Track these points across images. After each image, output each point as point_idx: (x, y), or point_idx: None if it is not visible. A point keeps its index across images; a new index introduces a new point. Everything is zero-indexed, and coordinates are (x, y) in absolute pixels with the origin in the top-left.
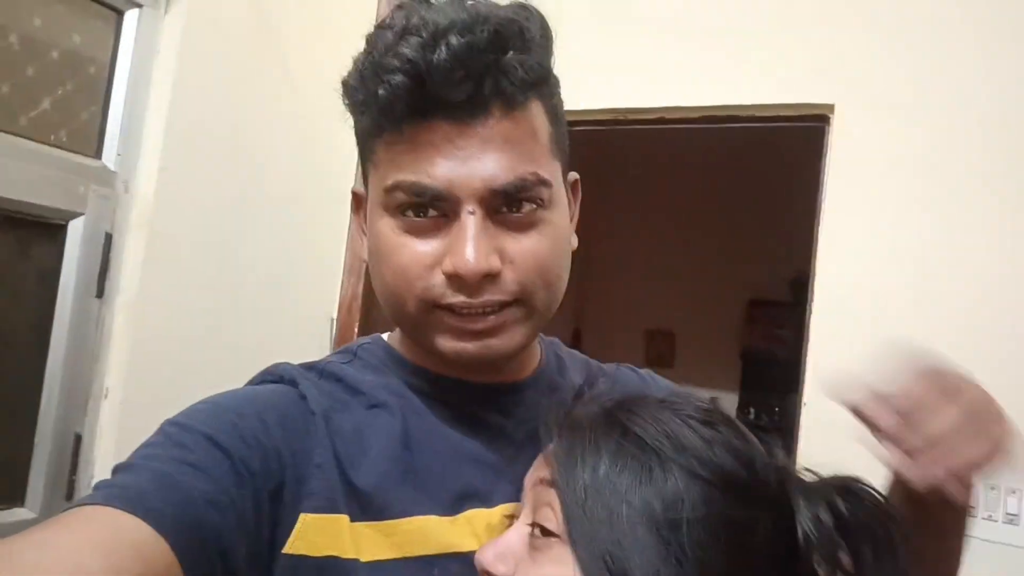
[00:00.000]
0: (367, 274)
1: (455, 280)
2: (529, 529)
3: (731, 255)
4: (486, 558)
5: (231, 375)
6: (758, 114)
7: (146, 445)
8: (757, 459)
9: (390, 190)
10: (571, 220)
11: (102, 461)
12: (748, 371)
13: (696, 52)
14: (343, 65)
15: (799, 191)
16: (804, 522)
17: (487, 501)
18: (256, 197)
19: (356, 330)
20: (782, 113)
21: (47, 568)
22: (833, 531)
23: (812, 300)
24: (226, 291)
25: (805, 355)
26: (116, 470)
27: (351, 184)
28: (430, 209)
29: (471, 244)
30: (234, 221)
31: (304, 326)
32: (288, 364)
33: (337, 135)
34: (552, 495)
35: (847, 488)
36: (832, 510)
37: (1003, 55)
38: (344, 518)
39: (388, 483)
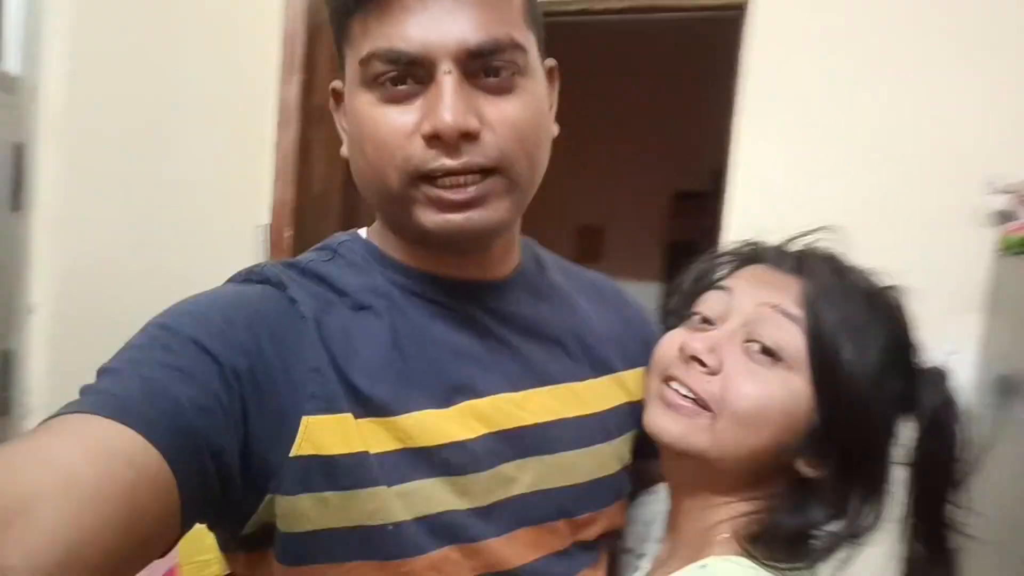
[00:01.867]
0: (299, 179)
1: (435, 142)
2: (744, 342)
3: (657, 149)
4: (697, 345)
5: (162, 286)
6: (679, 4)
7: (131, 347)
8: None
9: (365, 61)
10: (551, 107)
11: (36, 377)
12: (671, 262)
13: None
14: None
15: (719, 82)
16: (928, 399)
17: (477, 392)
18: (177, 102)
19: (290, 235)
20: (701, 3)
21: (40, 476)
22: (942, 409)
23: (729, 189)
24: (150, 200)
25: (720, 240)
26: (101, 373)
27: (273, 89)
28: (407, 78)
29: (449, 102)
30: (154, 128)
31: (233, 233)
32: (271, 264)
33: (259, 36)
34: (787, 325)
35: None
36: (941, 392)
37: None
38: (348, 416)
39: (383, 383)
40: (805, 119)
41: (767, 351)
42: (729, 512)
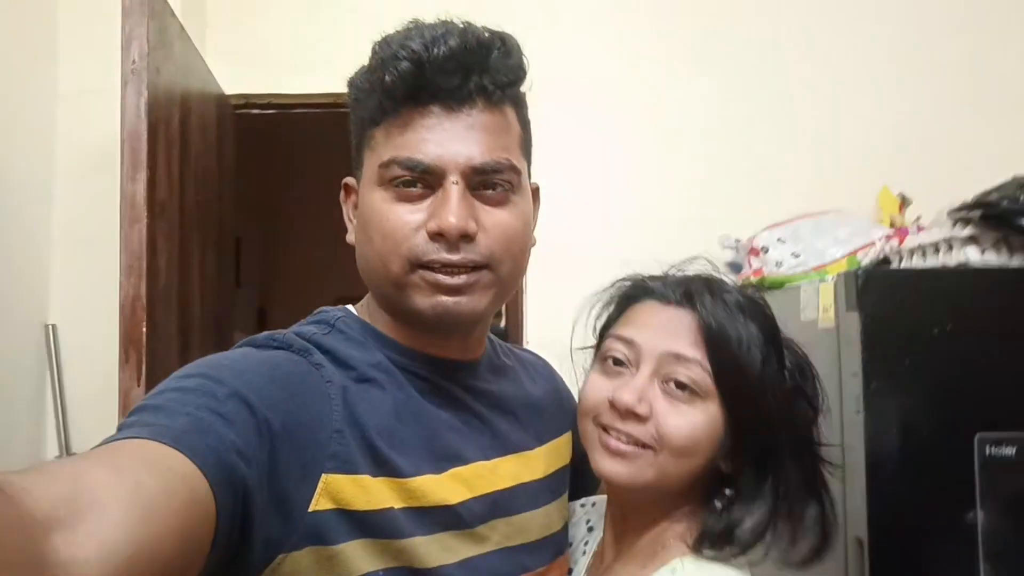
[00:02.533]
0: (148, 273)
1: (438, 238)
2: (662, 383)
3: None
4: (627, 399)
5: None
6: None
7: (171, 390)
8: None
9: (386, 165)
10: (534, 222)
11: None
12: None
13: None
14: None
15: None
16: (791, 360)
17: (462, 460)
18: None
19: (144, 330)
20: None
21: (110, 480)
22: (800, 365)
23: None
24: None
25: (524, 314)
26: (144, 408)
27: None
28: (419, 182)
29: (454, 207)
30: None
31: (16, 335)
32: (288, 332)
33: (32, 128)
34: (692, 366)
35: (791, 341)
36: (796, 354)
37: (658, 49)
38: (366, 477)
39: (393, 448)
40: (580, 186)
41: (681, 386)
42: (674, 519)
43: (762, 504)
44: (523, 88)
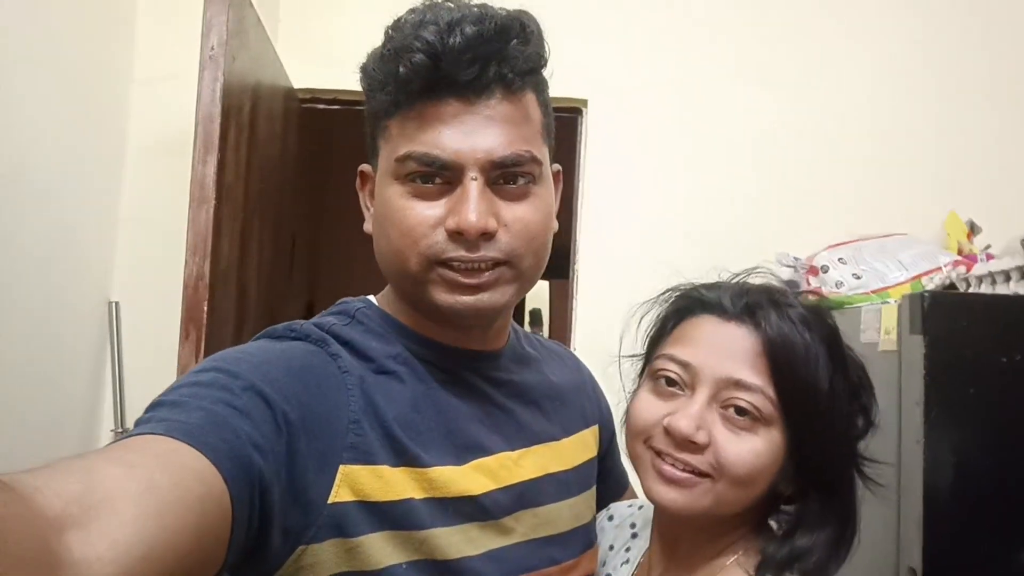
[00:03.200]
0: (212, 254)
1: (456, 237)
2: (720, 408)
3: None
4: (686, 428)
5: (2, 368)
6: None
7: (188, 384)
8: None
9: (402, 159)
10: (555, 207)
11: None
12: None
13: None
14: (109, 19)
15: None
16: (854, 372)
17: (484, 451)
18: (21, 172)
19: (205, 308)
20: None
21: (122, 478)
22: (861, 377)
23: (576, 270)
24: None
25: (573, 320)
26: (160, 404)
27: (126, 170)
28: (436, 177)
29: (473, 205)
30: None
31: (80, 311)
32: (306, 324)
33: (106, 111)
34: (754, 392)
35: (853, 352)
36: (857, 366)
37: (715, 59)
38: (384, 467)
39: (412, 439)
40: (635, 200)
41: (742, 412)
42: (730, 541)
43: (827, 529)
44: (544, 71)
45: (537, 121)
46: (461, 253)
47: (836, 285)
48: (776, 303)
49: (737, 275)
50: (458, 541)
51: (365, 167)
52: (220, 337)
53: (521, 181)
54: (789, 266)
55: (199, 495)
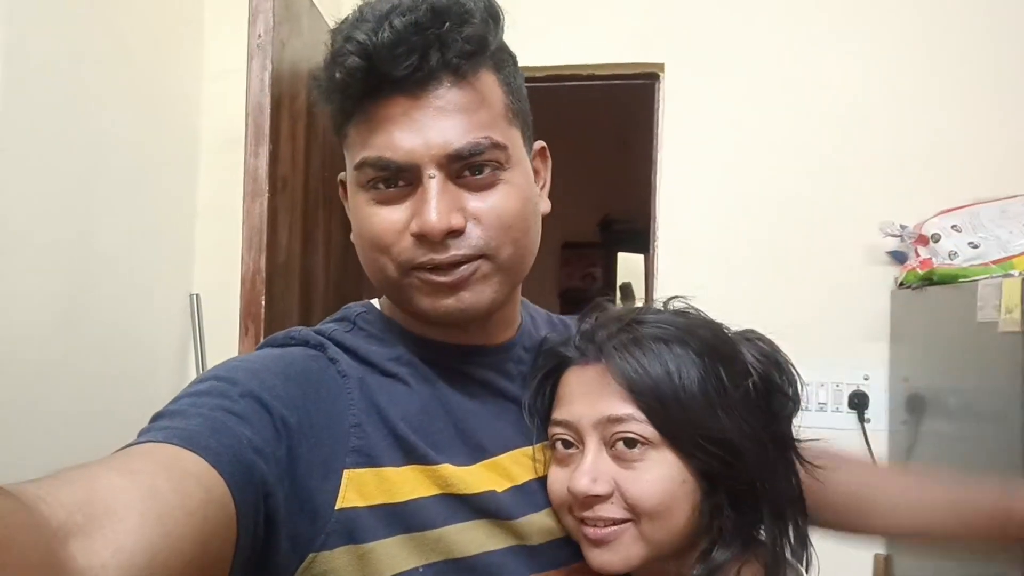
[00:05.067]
0: (269, 247)
1: (422, 240)
2: (608, 451)
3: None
4: (582, 485)
5: (89, 363)
6: (597, 72)
7: (188, 395)
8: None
9: (359, 167)
10: (542, 187)
11: None
12: (565, 309)
13: (537, 15)
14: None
15: (609, 140)
16: (751, 358)
17: (493, 451)
18: (106, 166)
19: (262, 303)
20: (618, 71)
21: (124, 486)
22: (766, 358)
23: (656, 240)
24: (75, 276)
25: (651, 290)
26: (160, 415)
27: (200, 165)
28: (397, 180)
29: (433, 204)
30: (82, 194)
31: (163, 305)
32: (307, 329)
33: (182, 109)
34: (628, 421)
35: (751, 333)
36: (757, 347)
37: (804, 20)
38: (390, 469)
39: (420, 440)
40: (718, 170)
41: (631, 443)
42: (683, 564)
43: (741, 538)
44: (497, 46)
45: (498, 102)
46: (431, 256)
47: (949, 256)
48: (626, 328)
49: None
50: (476, 537)
51: (342, 175)
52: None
53: (487, 170)
54: (894, 235)
55: (201, 500)
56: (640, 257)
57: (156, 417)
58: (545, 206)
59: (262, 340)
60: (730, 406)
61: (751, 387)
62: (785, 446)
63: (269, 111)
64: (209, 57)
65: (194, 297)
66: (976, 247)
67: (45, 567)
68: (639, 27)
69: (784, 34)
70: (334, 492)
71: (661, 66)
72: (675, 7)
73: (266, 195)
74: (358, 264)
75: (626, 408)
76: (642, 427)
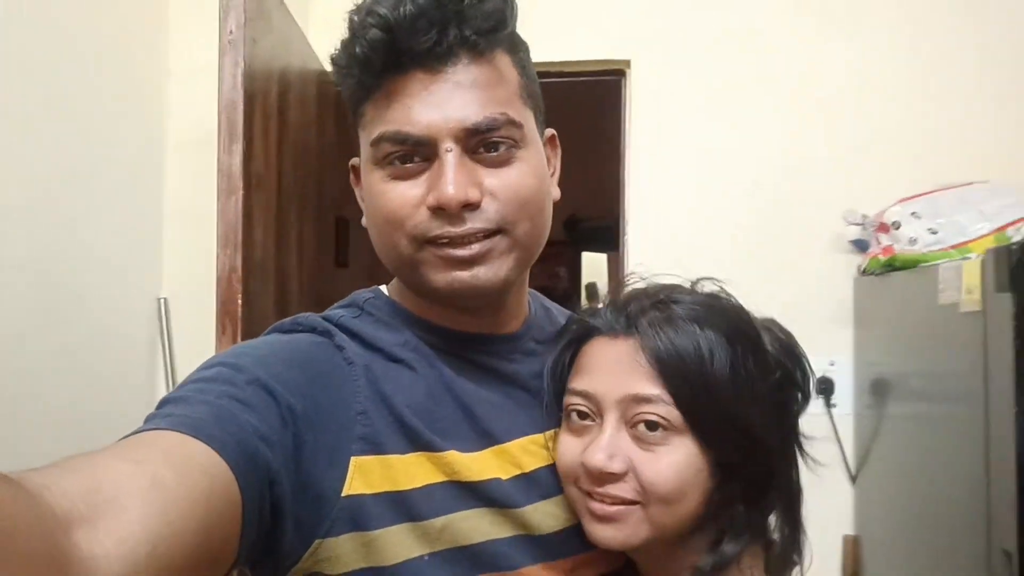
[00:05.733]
0: (244, 245)
1: (439, 212)
2: (628, 430)
3: None
4: (598, 460)
5: (56, 368)
6: (564, 70)
7: (195, 381)
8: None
9: (376, 143)
10: (552, 174)
11: None
12: None
13: None
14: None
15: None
16: (769, 345)
17: (501, 438)
18: (65, 173)
19: (239, 301)
20: (585, 68)
21: (128, 475)
22: (785, 350)
23: (626, 236)
24: (42, 280)
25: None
26: (167, 402)
27: (167, 165)
28: (414, 155)
29: (450, 176)
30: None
31: (130, 309)
32: (313, 316)
33: (144, 107)
34: (655, 403)
35: (771, 323)
36: (777, 338)
37: (767, 15)
38: (396, 456)
39: (426, 425)
40: (685, 164)
41: (653, 426)
42: (688, 552)
43: (750, 530)
44: (513, 28)
45: (514, 82)
46: (447, 229)
47: (910, 242)
48: (660, 305)
49: (692, 283)
50: (480, 525)
51: (355, 160)
52: (258, 330)
53: (502, 147)
54: (856, 224)
55: (206, 488)
56: (604, 257)
57: (162, 403)
58: (556, 192)
59: (239, 339)
60: (755, 396)
61: (774, 378)
62: (793, 439)
63: (242, 108)
64: (174, 56)
65: (162, 301)
66: (935, 233)
67: (49, 555)
68: (605, 24)
69: (747, 29)
70: (340, 479)
71: (627, 63)
72: (640, 4)
73: (241, 192)
74: (331, 264)
75: (654, 389)
76: (668, 410)
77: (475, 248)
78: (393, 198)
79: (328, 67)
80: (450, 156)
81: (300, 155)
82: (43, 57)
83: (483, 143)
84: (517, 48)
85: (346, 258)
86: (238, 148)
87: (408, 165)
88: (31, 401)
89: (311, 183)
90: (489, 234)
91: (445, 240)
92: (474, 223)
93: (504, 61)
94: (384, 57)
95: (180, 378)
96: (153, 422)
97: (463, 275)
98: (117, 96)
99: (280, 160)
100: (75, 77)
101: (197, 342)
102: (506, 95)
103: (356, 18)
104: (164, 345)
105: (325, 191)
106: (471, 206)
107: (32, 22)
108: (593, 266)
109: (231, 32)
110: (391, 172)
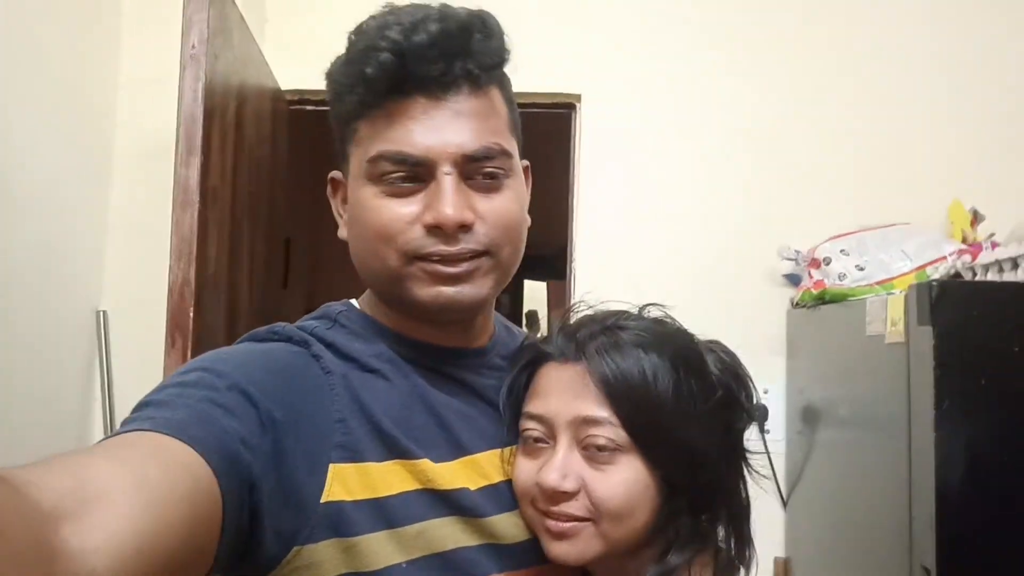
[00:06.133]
0: (198, 258)
1: (435, 231)
2: (579, 451)
3: None
4: (552, 480)
5: None
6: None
7: (173, 385)
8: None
9: (374, 160)
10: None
11: None
12: None
13: None
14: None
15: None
16: (713, 366)
17: (471, 449)
18: (7, 180)
19: (191, 315)
20: (536, 100)
21: (114, 472)
22: (727, 370)
23: (573, 262)
24: None
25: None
26: (147, 404)
27: (113, 177)
28: (410, 175)
29: (449, 198)
30: None
31: (68, 321)
32: (289, 325)
33: (92, 117)
34: (603, 425)
35: (716, 345)
36: (720, 359)
37: (714, 54)
38: (373, 464)
39: (402, 434)
40: (631, 196)
41: (602, 448)
42: (641, 563)
43: (696, 541)
44: (506, 68)
45: (503, 115)
46: (440, 247)
47: (839, 277)
48: (608, 331)
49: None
50: (452, 532)
51: (336, 174)
52: (209, 344)
53: (494, 174)
54: (790, 259)
55: (190, 487)
56: (544, 285)
57: (140, 406)
58: (528, 219)
59: (190, 354)
60: (698, 416)
61: (716, 398)
62: (738, 455)
63: (202, 122)
64: (125, 66)
65: (101, 314)
66: (862, 269)
67: (37, 550)
68: (557, 58)
69: (693, 67)
70: (320, 486)
71: (578, 96)
72: (592, 38)
73: (197, 206)
74: (280, 281)
75: (602, 411)
76: (615, 431)
77: (463, 267)
78: (385, 214)
79: (283, 86)
80: (448, 179)
81: (254, 172)
82: None
83: (477, 170)
84: (505, 84)
85: (287, 279)
86: (196, 162)
87: (404, 184)
88: None
89: (263, 201)
90: (477, 255)
91: (437, 258)
92: (466, 243)
93: (496, 95)
94: (391, 80)
95: (118, 391)
96: (133, 424)
97: (449, 291)
98: (65, 105)
99: (235, 176)
100: (24, 84)
101: (138, 356)
102: (498, 126)
103: (362, 39)
104: (102, 359)
105: (276, 210)
106: (465, 227)
107: None
108: (533, 294)
109: (193, 47)
110: (386, 189)
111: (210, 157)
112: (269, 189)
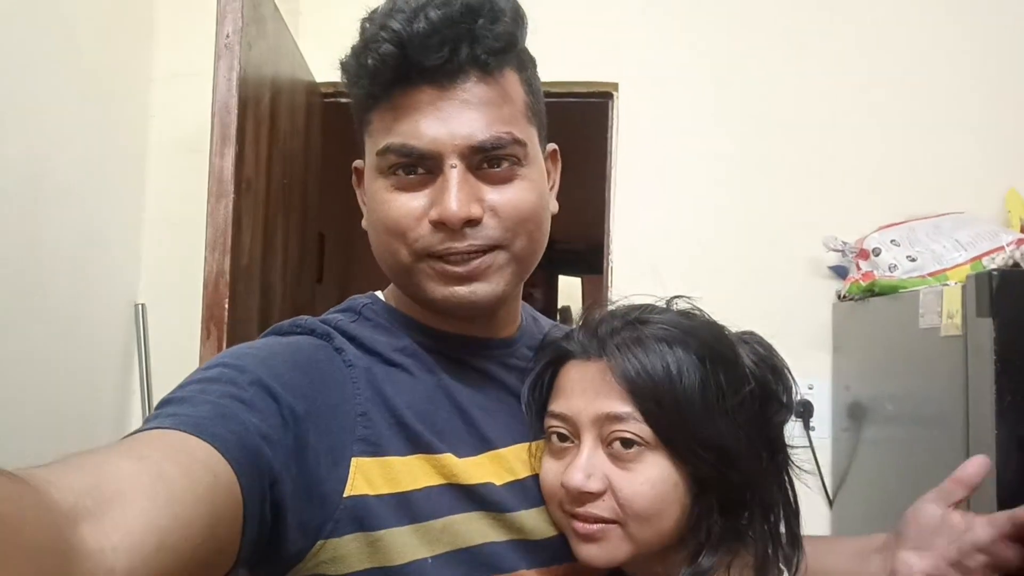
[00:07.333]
0: (233, 249)
1: (440, 227)
2: (604, 449)
3: None
4: (576, 480)
5: (31, 374)
6: (552, 91)
7: (196, 381)
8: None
9: (382, 153)
10: (551, 187)
11: None
12: None
13: None
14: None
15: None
16: (746, 358)
17: (497, 444)
18: (46, 175)
19: (226, 306)
20: (573, 90)
21: (133, 470)
22: (763, 362)
23: (611, 255)
24: (17, 284)
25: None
26: (169, 401)
27: (149, 170)
28: (418, 167)
29: (453, 193)
30: (20, 206)
31: (107, 314)
32: (312, 318)
33: (127, 111)
34: (627, 421)
35: (750, 336)
36: (755, 351)
37: (754, 41)
38: (396, 458)
39: (425, 428)
40: (670, 187)
41: (627, 443)
42: (675, 563)
43: (729, 541)
44: (522, 46)
45: (519, 101)
46: (448, 245)
47: (889, 268)
48: (630, 326)
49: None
50: (479, 527)
51: (358, 163)
52: (242, 336)
53: (505, 164)
54: (837, 250)
55: (209, 485)
56: (578, 280)
57: (163, 403)
58: (554, 206)
59: (224, 345)
60: (727, 412)
61: (748, 393)
62: (777, 451)
63: (236, 112)
64: (159, 60)
65: (139, 307)
66: (914, 260)
67: (56, 549)
68: (594, 46)
69: (733, 55)
70: (343, 480)
71: (615, 85)
72: (629, 27)
73: (231, 196)
74: (314, 275)
75: (625, 407)
76: (640, 427)
77: (473, 264)
78: (395, 208)
79: (318, 79)
80: (454, 172)
81: (288, 164)
82: (26, 59)
83: (487, 160)
84: (525, 66)
85: (321, 273)
86: (230, 152)
87: (411, 177)
88: (4, 407)
89: (297, 194)
90: (488, 249)
91: (446, 255)
92: (475, 239)
93: (511, 79)
94: (394, 71)
95: (156, 384)
96: (155, 422)
97: (461, 290)
98: (101, 98)
99: (269, 166)
100: (60, 79)
101: (175, 348)
102: (511, 114)
103: (369, 27)
104: (140, 351)
105: (309, 202)
106: (472, 222)
107: (14, 21)
108: (568, 289)
109: (227, 36)
110: (395, 182)
111: (244, 147)
112: (303, 182)
